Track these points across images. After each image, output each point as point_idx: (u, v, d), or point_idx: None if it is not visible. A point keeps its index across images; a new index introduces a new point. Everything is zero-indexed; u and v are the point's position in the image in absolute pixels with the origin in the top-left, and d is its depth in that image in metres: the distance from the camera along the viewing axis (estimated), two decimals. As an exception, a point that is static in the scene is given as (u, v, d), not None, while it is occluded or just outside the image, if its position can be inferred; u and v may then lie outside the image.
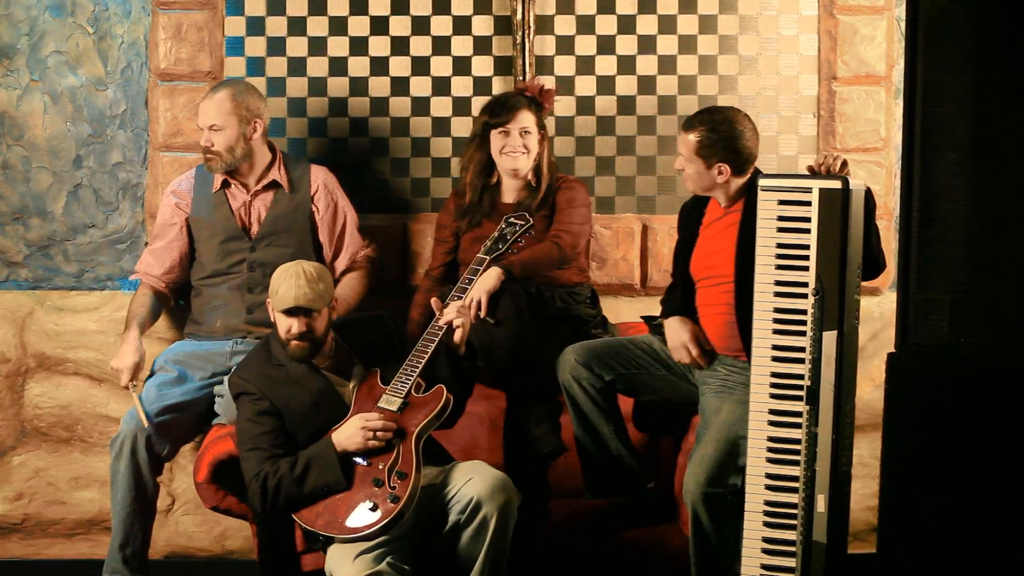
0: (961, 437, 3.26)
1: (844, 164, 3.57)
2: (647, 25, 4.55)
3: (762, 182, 3.51)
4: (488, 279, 3.96)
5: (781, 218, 3.47)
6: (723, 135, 3.75)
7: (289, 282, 3.61)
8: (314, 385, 3.67)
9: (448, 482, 3.57)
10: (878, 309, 4.47)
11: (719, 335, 3.82)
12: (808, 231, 3.44)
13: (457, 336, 3.69)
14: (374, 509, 3.46)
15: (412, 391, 3.63)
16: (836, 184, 3.43)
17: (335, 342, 3.75)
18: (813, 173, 3.59)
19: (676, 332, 3.84)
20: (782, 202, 3.47)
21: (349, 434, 3.55)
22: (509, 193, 4.27)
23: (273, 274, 3.69)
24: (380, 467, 3.52)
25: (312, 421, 3.62)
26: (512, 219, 4.03)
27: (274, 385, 3.66)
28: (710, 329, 3.85)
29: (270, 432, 3.61)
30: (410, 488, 3.46)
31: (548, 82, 4.43)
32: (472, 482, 3.50)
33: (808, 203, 3.44)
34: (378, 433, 3.54)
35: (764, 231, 3.48)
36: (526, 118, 4.17)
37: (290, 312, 3.61)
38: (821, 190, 3.43)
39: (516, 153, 4.18)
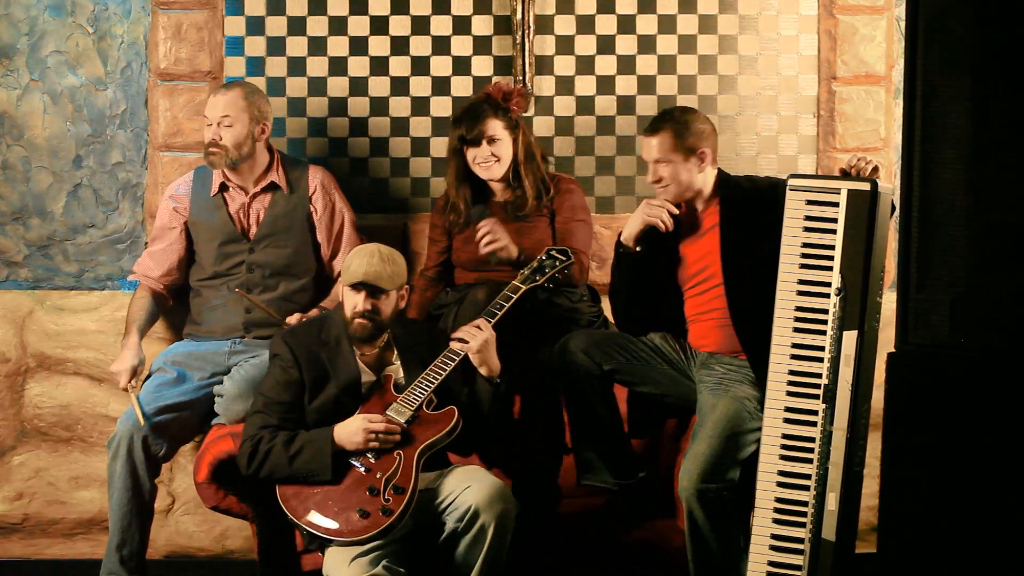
0: (961, 437, 3.26)
1: (876, 169, 3.62)
2: (647, 25, 4.56)
3: (791, 182, 3.54)
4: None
5: (808, 218, 3.50)
6: (690, 123, 3.83)
7: (362, 259, 3.64)
8: (347, 376, 3.67)
9: (445, 488, 3.56)
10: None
11: (716, 339, 3.84)
12: (834, 232, 3.46)
13: (474, 359, 3.67)
14: (364, 516, 3.46)
15: (424, 406, 3.62)
16: (865, 186, 3.45)
17: (388, 338, 3.76)
18: (844, 174, 3.63)
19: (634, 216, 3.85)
20: (810, 202, 3.50)
21: (350, 432, 3.55)
22: (498, 193, 4.26)
23: (351, 254, 3.70)
24: (378, 476, 3.52)
25: (329, 409, 3.63)
26: (554, 252, 3.97)
27: (312, 360, 3.67)
28: (707, 335, 3.86)
29: (285, 404, 3.64)
30: (404, 504, 3.46)
31: (515, 82, 4.42)
32: (471, 490, 3.49)
33: (836, 204, 3.47)
34: (380, 435, 3.54)
35: (790, 230, 3.51)
36: (492, 126, 4.14)
37: (357, 287, 3.63)
38: (849, 191, 3.46)
39: (487, 163, 4.17)
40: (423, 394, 3.61)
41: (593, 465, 3.92)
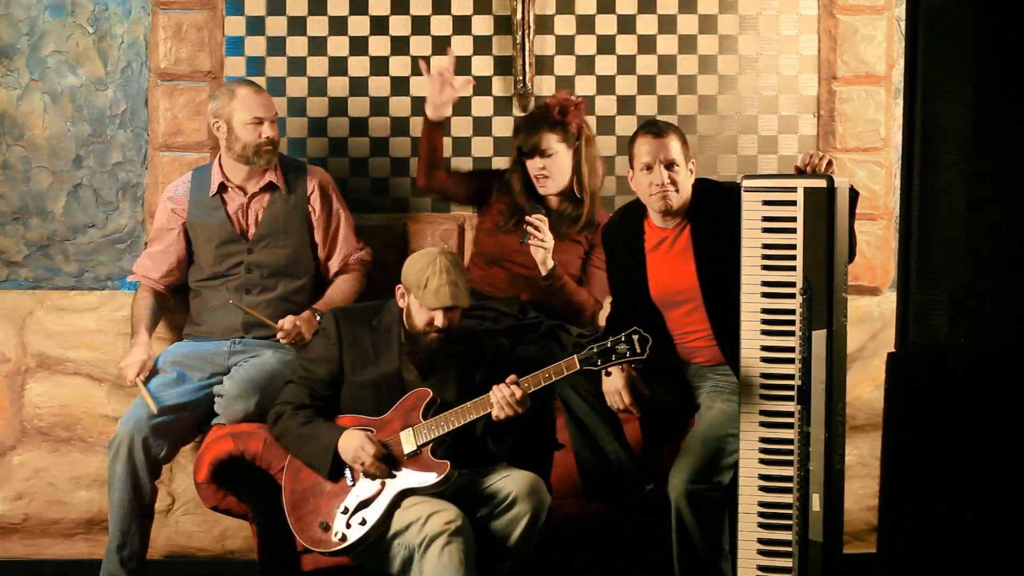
0: (961, 437, 3.26)
1: (830, 163, 3.57)
2: (647, 25, 4.56)
3: (746, 183, 3.51)
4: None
5: (766, 218, 3.47)
6: (683, 133, 3.80)
7: (441, 279, 3.58)
8: (387, 367, 3.69)
9: (483, 472, 3.58)
10: (878, 309, 4.47)
11: (705, 356, 3.82)
12: (794, 231, 3.44)
13: (497, 416, 3.57)
14: (324, 529, 3.57)
15: (431, 447, 3.58)
16: (821, 183, 3.43)
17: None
18: (799, 172, 3.59)
19: (611, 379, 3.70)
20: (767, 202, 3.47)
21: (350, 445, 3.58)
22: (552, 201, 4.22)
23: (415, 263, 3.65)
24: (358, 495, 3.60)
25: (366, 394, 3.67)
26: (635, 336, 3.52)
27: (356, 342, 3.70)
28: (695, 352, 3.84)
29: (320, 380, 3.69)
30: (360, 536, 3.54)
31: (574, 94, 4.32)
32: (510, 478, 3.53)
33: (793, 203, 3.45)
34: (366, 464, 3.56)
35: (749, 232, 3.48)
36: (546, 140, 4.12)
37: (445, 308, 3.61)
38: (806, 190, 3.44)
39: (541, 178, 4.15)
40: (438, 435, 3.57)
41: (600, 483, 3.90)
